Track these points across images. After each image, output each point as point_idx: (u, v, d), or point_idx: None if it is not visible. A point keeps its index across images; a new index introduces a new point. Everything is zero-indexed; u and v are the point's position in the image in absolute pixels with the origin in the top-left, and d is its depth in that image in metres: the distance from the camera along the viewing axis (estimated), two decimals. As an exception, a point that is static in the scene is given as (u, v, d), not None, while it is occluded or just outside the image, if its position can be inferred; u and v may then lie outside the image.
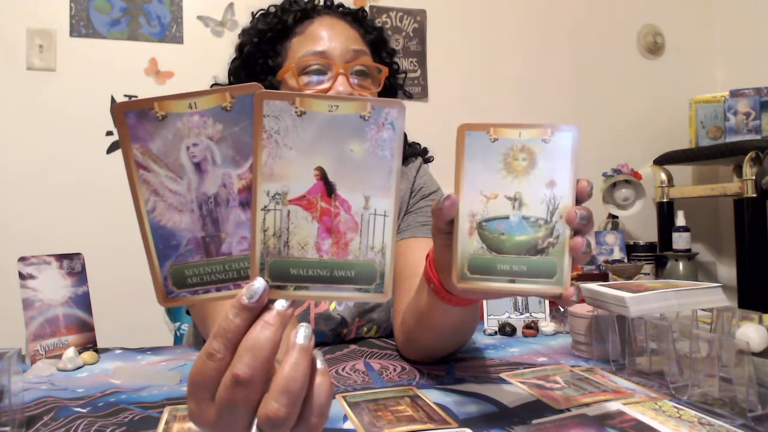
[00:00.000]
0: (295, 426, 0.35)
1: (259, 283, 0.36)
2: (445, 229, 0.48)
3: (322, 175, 0.38)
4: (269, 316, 0.36)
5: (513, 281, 0.45)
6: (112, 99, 2.09)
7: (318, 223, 0.38)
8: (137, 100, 0.37)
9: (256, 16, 0.96)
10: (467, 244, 0.46)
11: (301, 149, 0.37)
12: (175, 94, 0.37)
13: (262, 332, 0.35)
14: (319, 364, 0.37)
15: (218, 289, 0.39)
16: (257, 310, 0.36)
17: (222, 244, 0.38)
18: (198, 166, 0.38)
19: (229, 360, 0.35)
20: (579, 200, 0.45)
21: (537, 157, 0.45)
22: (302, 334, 0.36)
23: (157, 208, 0.38)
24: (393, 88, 0.98)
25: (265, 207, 0.37)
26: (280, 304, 0.36)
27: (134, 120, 0.37)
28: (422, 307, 0.65)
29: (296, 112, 0.37)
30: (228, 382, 0.34)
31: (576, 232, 0.45)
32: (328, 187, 0.38)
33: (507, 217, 0.45)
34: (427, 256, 0.59)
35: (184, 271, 0.38)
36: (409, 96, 1.04)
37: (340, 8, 0.94)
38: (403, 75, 1.01)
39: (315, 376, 0.36)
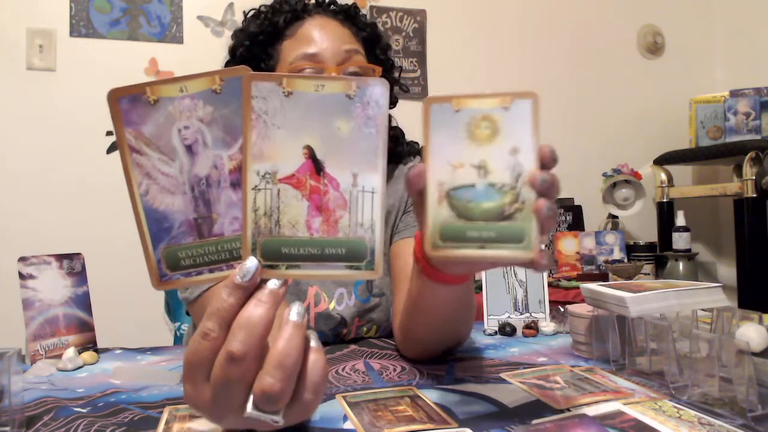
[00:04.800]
0: (290, 403, 0.35)
1: (251, 263, 0.36)
2: (421, 202, 0.49)
3: (311, 154, 0.38)
4: (262, 295, 0.36)
5: (483, 247, 0.45)
6: (112, 99, 2.09)
7: (308, 201, 0.38)
8: (130, 86, 0.37)
9: (248, 16, 0.95)
10: (437, 212, 0.46)
11: (289, 129, 0.38)
12: (166, 78, 0.37)
13: (255, 310, 0.35)
14: (313, 343, 0.37)
15: (211, 271, 0.39)
16: (250, 289, 0.36)
17: (214, 225, 0.39)
18: (189, 149, 0.38)
19: (224, 339, 0.35)
20: (544, 166, 0.45)
21: (499, 125, 0.45)
22: (295, 311, 0.36)
23: (150, 191, 0.38)
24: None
25: (256, 187, 0.37)
26: (273, 283, 0.37)
27: (127, 105, 0.37)
28: (414, 292, 0.65)
29: (284, 92, 0.37)
30: (222, 359, 0.35)
31: (540, 195, 0.45)
32: (316, 166, 0.38)
33: (473, 185, 0.46)
34: (416, 236, 0.59)
35: (178, 253, 0.38)
36: (406, 90, 1.04)
37: (331, 6, 0.93)
38: (398, 70, 1.01)
39: (309, 353, 0.36)
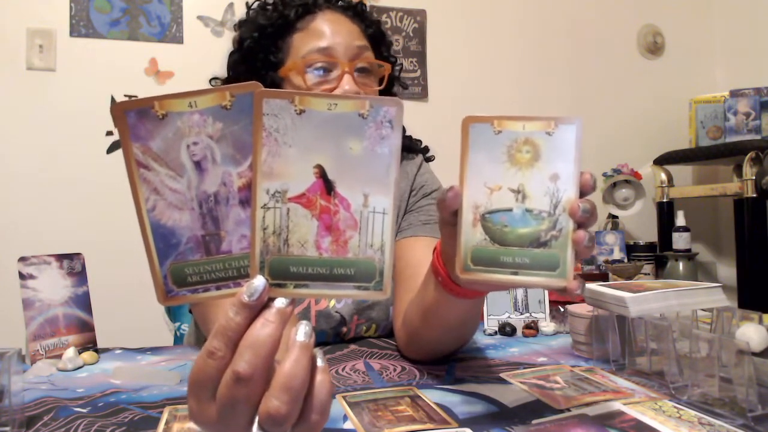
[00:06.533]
0: (296, 424, 0.35)
1: (258, 282, 0.36)
2: (450, 220, 0.48)
3: (322, 173, 0.38)
4: (269, 314, 0.36)
5: (516, 273, 0.45)
6: (112, 99, 2.09)
7: (317, 221, 0.38)
8: (137, 100, 0.37)
9: (253, 6, 0.95)
10: (471, 235, 0.46)
11: (300, 147, 0.37)
12: (176, 93, 0.37)
13: (262, 329, 0.35)
14: (320, 362, 0.37)
15: (218, 288, 0.39)
16: (257, 308, 0.36)
17: (222, 243, 0.38)
18: (198, 165, 0.38)
19: (230, 358, 0.35)
20: (582, 193, 0.45)
21: (541, 149, 0.45)
22: (302, 331, 0.36)
23: (157, 206, 0.38)
24: (390, 80, 0.98)
25: (265, 205, 0.37)
26: (280, 302, 0.36)
27: (134, 119, 0.37)
28: (428, 301, 0.65)
29: (296, 110, 0.37)
30: (229, 379, 0.34)
31: (579, 225, 0.45)
32: (327, 185, 0.38)
33: (510, 210, 0.45)
34: (435, 248, 0.60)
35: (184, 269, 0.38)
36: (405, 87, 1.04)
37: (340, 2, 0.94)
38: (399, 67, 1.01)
39: (315, 373, 0.36)
